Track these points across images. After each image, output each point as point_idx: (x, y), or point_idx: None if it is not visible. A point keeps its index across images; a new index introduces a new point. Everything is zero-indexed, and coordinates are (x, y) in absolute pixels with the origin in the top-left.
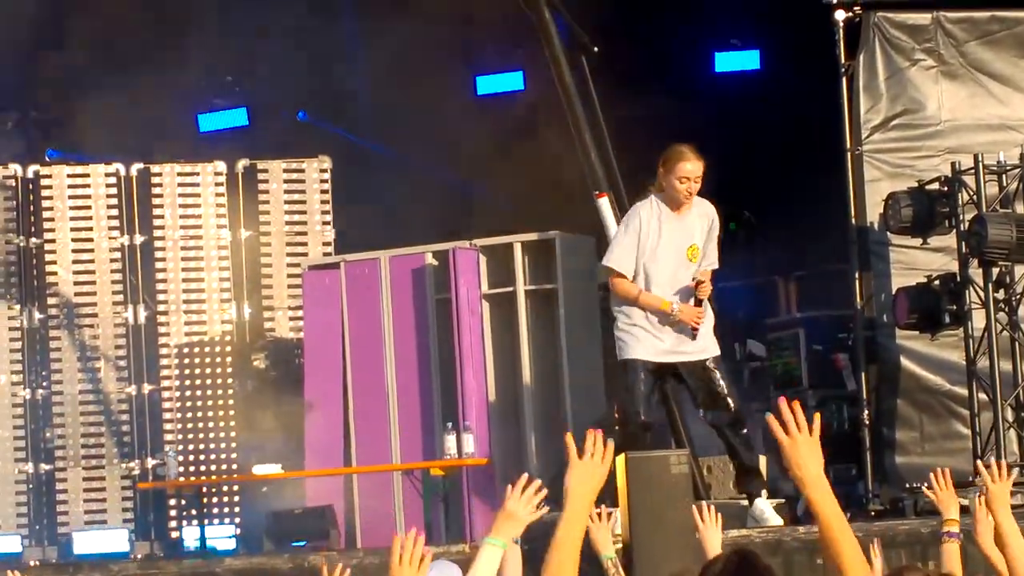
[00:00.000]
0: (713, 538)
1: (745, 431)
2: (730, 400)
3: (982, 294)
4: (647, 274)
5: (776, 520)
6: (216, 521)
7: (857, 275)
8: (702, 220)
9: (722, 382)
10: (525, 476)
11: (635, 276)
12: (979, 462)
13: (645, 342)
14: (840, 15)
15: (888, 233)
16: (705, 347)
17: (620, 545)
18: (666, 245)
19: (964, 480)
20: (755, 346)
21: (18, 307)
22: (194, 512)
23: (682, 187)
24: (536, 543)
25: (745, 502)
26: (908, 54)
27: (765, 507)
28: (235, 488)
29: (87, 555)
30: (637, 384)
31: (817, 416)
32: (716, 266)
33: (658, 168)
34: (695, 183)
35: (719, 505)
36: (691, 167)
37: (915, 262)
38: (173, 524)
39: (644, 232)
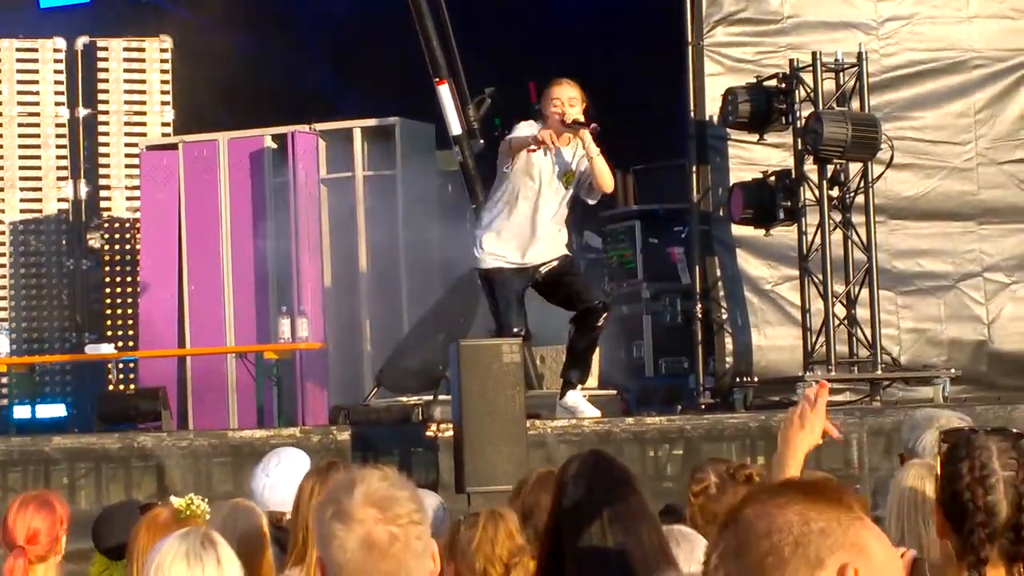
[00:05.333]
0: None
1: (598, 323)
2: (588, 290)
3: (816, 191)
4: (532, 186)
5: (591, 412)
6: (47, 400)
7: (695, 169)
8: (570, 153)
9: (578, 275)
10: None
11: (517, 183)
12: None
13: (507, 250)
14: None
15: (726, 128)
16: (560, 248)
17: (450, 433)
18: (546, 172)
19: (794, 376)
20: (591, 238)
21: None
22: (25, 391)
23: (555, 111)
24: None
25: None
26: None
27: (578, 399)
28: (67, 367)
29: None
30: (500, 297)
31: (824, 390)
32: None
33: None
34: (568, 104)
35: (550, 395)
36: (557, 89)
37: (752, 158)
38: (4, 402)
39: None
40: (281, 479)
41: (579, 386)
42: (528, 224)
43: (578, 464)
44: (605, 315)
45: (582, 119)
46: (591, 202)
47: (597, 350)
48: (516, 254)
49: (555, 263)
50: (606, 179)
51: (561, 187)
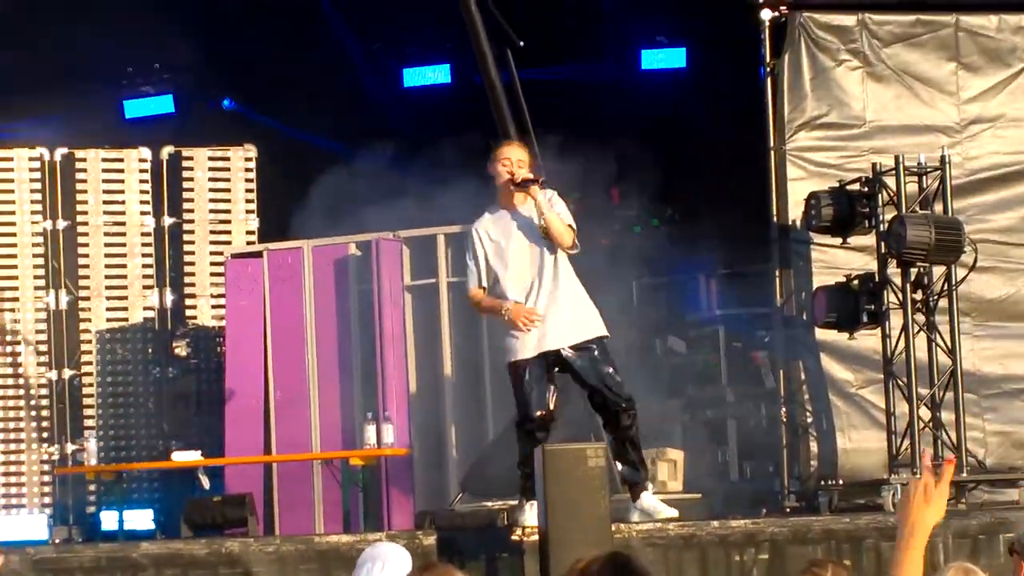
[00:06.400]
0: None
1: (631, 420)
2: (617, 386)
3: (900, 294)
4: (509, 270)
5: (668, 512)
6: (135, 507)
7: (777, 273)
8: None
9: (609, 366)
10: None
11: (498, 280)
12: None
13: (522, 339)
14: (766, 14)
15: (809, 232)
16: (586, 327)
17: (536, 538)
18: (514, 240)
19: (879, 479)
20: (675, 342)
21: None
22: (113, 498)
23: (504, 169)
24: (460, 534)
25: (662, 497)
26: (834, 54)
27: (652, 501)
28: (154, 474)
29: (4, 543)
30: (520, 386)
31: (950, 466)
32: (568, 222)
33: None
34: (517, 165)
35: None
36: (507, 150)
37: (835, 261)
38: (92, 509)
39: (485, 243)
40: None
41: (649, 485)
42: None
43: (601, 563)
44: (630, 413)
45: (531, 177)
46: (569, 252)
47: (680, 453)
48: (531, 344)
49: (581, 346)
50: (561, 236)
51: (542, 248)
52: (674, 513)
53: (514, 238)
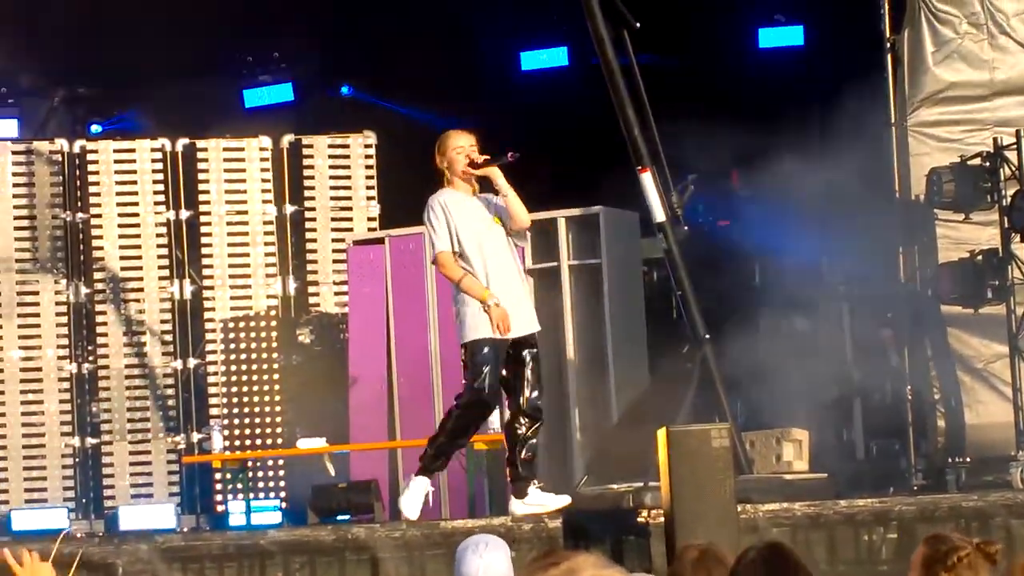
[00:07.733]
0: None
1: (536, 428)
2: (541, 388)
3: None
4: (482, 251)
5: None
6: (261, 495)
7: (901, 250)
8: (487, 198)
9: (535, 371)
10: None
11: (465, 257)
12: None
13: (485, 321)
14: None
15: (934, 208)
16: (532, 320)
17: (661, 519)
18: (469, 223)
19: (1007, 455)
20: (800, 321)
21: (64, 282)
22: (239, 486)
23: (459, 156)
24: None
25: (788, 477)
26: (955, 27)
27: (539, 495)
28: (280, 462)
29: (134, 531)
30: (482, 363)
31: None
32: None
33: (436, 164)
34: (471, 149)
35: (760, 479)
36: (457, 137)
37: (961, 236)
38: (219, 498)
39: (453, 214)
40: (494, 561)
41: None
42: (503, 294)
43: (756, 552)
44: (540, 424)
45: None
46: (518, 244)
47: (805, 433)
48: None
49: (529, 338)
50: (523, 215)
51: (499, 231)
52: (566, 500)
53: (481, 220)
